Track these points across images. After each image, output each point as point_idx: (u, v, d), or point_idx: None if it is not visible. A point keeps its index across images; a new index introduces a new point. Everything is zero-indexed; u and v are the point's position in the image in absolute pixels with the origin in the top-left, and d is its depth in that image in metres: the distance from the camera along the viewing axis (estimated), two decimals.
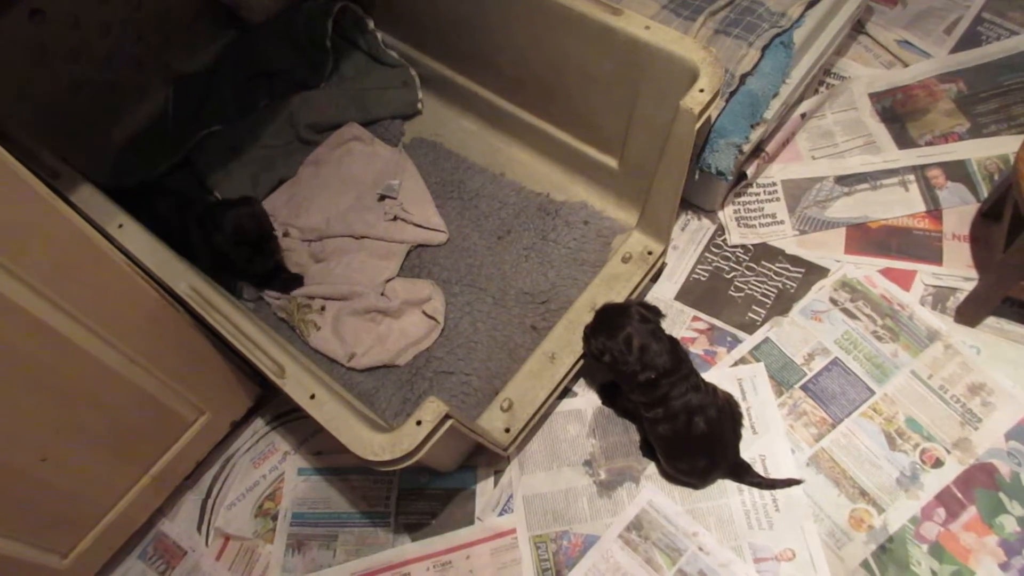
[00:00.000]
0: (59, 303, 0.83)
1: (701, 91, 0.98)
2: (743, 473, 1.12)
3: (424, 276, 1.34)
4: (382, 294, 1.31)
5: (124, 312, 0.93)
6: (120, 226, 1.00)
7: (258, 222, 1.27)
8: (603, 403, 1.22)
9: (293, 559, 1.17)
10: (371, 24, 1.57)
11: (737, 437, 1.13)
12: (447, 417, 0.85)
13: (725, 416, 1.08)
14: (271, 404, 1.29)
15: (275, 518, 1.20)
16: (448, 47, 1.45)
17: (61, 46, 1.36)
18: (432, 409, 0.84)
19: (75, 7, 1.34)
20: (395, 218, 1.38)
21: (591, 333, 1.09)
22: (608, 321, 1.07)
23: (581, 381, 1.25)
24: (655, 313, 1.08)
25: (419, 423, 0.84)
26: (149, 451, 1.10)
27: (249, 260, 1.28)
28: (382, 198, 1.41)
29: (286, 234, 1.39)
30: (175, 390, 1.06)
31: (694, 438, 1.05)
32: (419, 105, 1.55)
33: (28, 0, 1.28)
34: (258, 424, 1.28)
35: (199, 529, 1.22)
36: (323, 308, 1.30)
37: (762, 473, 1.13)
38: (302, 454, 1.25)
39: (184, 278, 0.98)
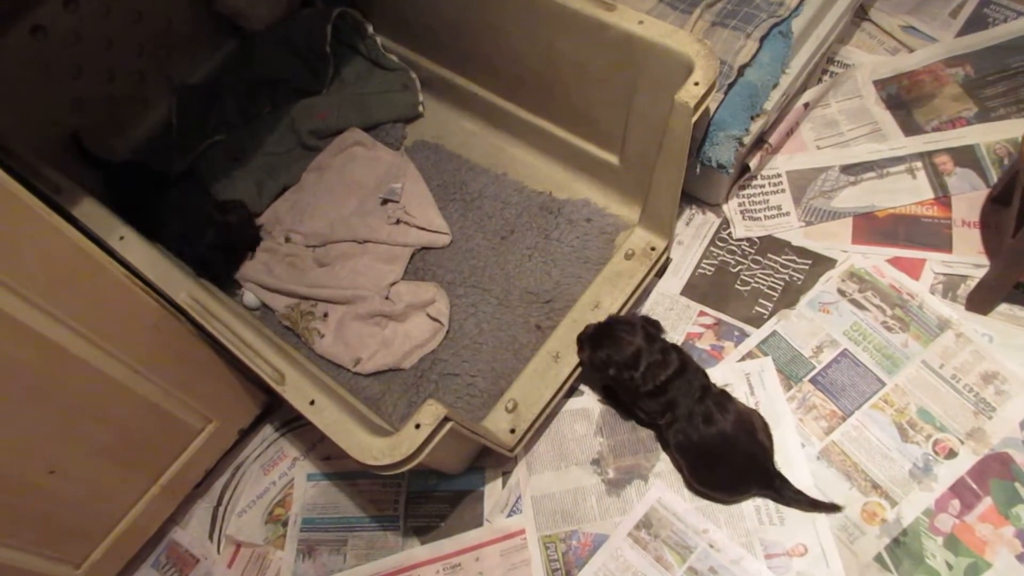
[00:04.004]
0: (59, 316, 0.83)
1: (696, 84, 0.97)
2: (779, 487, 1.05)
3: (428, 279, 1.34)
4: (386, 298, 1.31)
5: (125, 323, 0.93)
6: (121, 238, 1.01)
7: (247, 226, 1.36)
8: (602, 401, 1.21)
9: (304, 565, 1.17)
10: (370, 29, 1.57)
11: (761, 446, 1.07)
12: (446, 419, 0.85)
13: (743, 422, 1.06)
14: (280, 410, 1.29)
15: (285, 524, 1.21)
16: (446, 49, 1.44)
17: (63, 61, 1.37)
18: (431, 412, 0.84)
19: (77, 23, 1.35)
20: (398, 221, 1.38)
21: (592, 347, 1.07)
22: (611, 335, 1.06)
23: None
24: (657, 328, 1.08)
25: (418, 426, 0.83)
26: (157, 460, 1.11)
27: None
28: (385, 202, 1.41)
29: (288, 239, 1.40)
30: (180, 399, 1.06)
31: (708, 442, 1.04)
32: (420, 108, 1.54)
33: (30, 17, 1.29)
34: (267, 431, 1.29)
35: (211, 537, 1.22)
36: (326, 315, 1.30)
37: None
38: (311, 459, 1.25)
39: (184, 288, 0.99)
